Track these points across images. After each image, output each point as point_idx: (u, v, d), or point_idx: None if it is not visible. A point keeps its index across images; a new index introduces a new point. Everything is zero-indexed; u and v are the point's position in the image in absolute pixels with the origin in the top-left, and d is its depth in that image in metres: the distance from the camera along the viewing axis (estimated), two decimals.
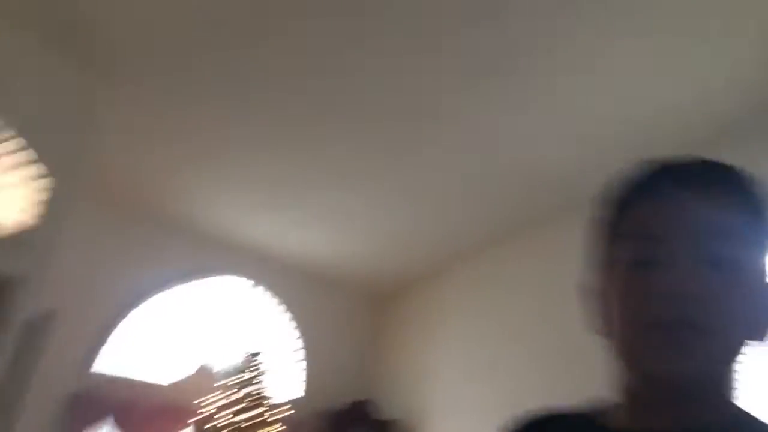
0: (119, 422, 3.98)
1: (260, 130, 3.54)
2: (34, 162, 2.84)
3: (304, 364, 4.92)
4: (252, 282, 4.81)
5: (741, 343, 0.67)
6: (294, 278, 4.97)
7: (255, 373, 4.12)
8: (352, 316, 5.33)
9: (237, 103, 3.34)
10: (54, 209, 2.89)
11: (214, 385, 4.12)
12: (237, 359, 4.19)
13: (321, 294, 5.12)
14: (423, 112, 3.29)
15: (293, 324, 4.94)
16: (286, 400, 4.39)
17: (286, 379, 4.68)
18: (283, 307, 4.92)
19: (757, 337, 0.69)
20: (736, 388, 0.70)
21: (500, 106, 3.20)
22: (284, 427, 4.12)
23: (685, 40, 2.67)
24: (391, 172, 3.82)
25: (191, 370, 4.42)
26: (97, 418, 3.91)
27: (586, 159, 3.45)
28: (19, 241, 2.78)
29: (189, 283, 4.53)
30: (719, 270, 0.65)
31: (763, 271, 0.70)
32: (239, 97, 3.29)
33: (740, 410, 0.69)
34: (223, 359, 4.38)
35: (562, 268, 3.87)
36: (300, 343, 4.94)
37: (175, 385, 4.33)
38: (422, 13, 2.68)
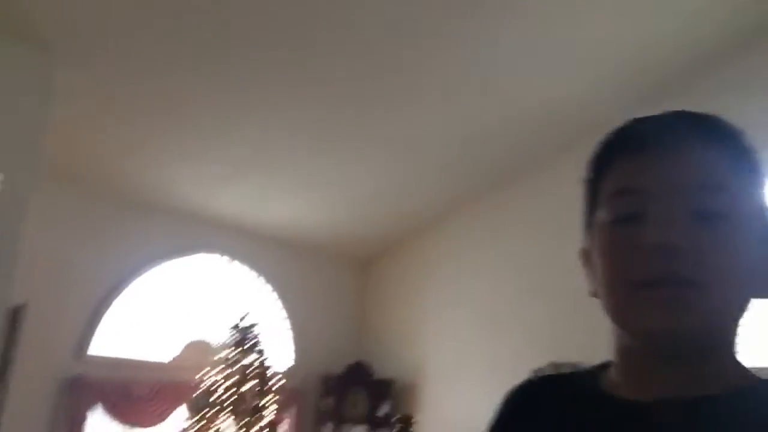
0: (116, 404, 3.98)
1: (229, 99, 3.41)
2: None
3: (292, 333, 4.89)
4: (229, 257, 4.74)
5: (742, 300, 0.64)
6: (274, 249, 4.90)
7: (251, 344, 4.12)
8: (339, 280, 5.30)
9: (203, 72, 3.20)
10: (9, 201, 2.82)
11: (211, 359, 4.09)
12: (231, 332, 4.18)
13: (304, 262, 5.07)
14: (400, 62, 3.18)
15: (276, 295, 4.90)
16: (279, 370, 4.39)
17: (277, 350, 4.66)
18: (263, 279, 4.87)
19: (762, 293, 0.65)
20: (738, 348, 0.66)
21: (484, 49, 3.09)
22: (280, 397, 4.12)
23: None
24: (366, 130, 3.73)
25: (186, 346, 4.38)
26: (95, 400, 3.87)
27: (574, 100, 3.39)
28: None
29: (171, 262, 4.46)
30: (710, 223, 0.61)
31: (762, 223, 0.66)
32: (205, 66, 3.15)
33: (751, 376, 0.65)
34: (218, 333, 4.34)
35: (548, 215, 3.89)
36: (286, 312, 4.90)
37: (171, 363, 4.29)
38: None
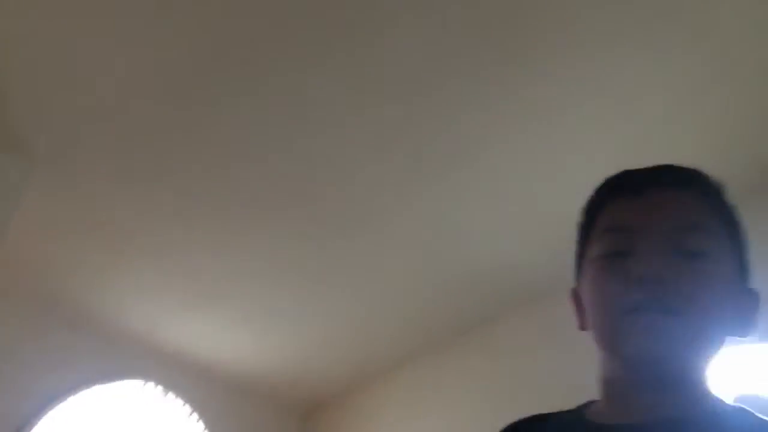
0: None
1: (178, 224, 3.28)
2: None
3: None
4: (163, 388, 4.37)
5: (718, 335, 0.71)
6: (212, 385, 4.50)
7: None
8: (278, 426, 4.89)
9: (153, 194, 3.10)
10: None
11: None
12: None
13: (242, 403, 4.64)
14: (358, 207, 3.12)
15: None
16: None
17: None
18: (197, 417, 4.47)
19: (738, 333, 0.73)
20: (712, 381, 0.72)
21: (443, 203, 3.06)
22: None
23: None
24: (322, 270, 3.58)
25: None
26: None
27: (526, 259, 3.31)
28: None
29: (97, 389, 4.06)
30: (692, 259, 0.69)
31: (740, 270, 0.75)
32: (156, 187, 3.06)
33: (722, 402, 0.71)
34: None
35: (502, 373, 3.75)
36: None
37: None
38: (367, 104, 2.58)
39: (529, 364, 3.53)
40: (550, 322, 2.91)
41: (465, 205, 3.06)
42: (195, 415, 4.45)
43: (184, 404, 4.42)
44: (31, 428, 3.73)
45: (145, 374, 4.30)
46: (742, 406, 0.70)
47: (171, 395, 4.39)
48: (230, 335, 4.17)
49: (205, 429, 4.45)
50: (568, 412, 0.79)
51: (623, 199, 0.76)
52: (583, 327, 0.78)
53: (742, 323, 0.73)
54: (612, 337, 0.70)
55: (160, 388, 4.35)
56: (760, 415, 0.68)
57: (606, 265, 0.73)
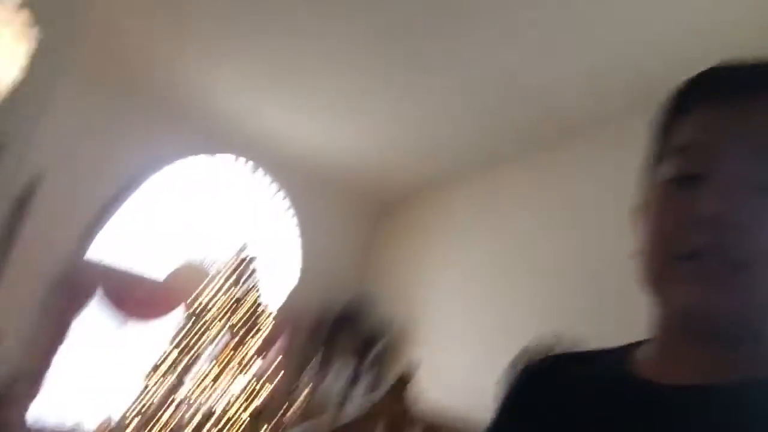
0: (111, 301, 3.96)
1: (272, 5, 3.23)
2: (25, 6, 2.57)
3: (300, 260, 4.80)
4: (253, 165, 4.62)
5: None
6: (298, 169, 4.74)
7: (247, 271, 4.04)
8: (355, 217, 5.15)
9: None
10: (44, 64, 2.64)
11: (205, 280, 4.01)
12: (230, 255, 4.07)
13: (325, 190, 4.90)
14: (450, 9, 2.96)
15: (293, 217, 4.79)
16: (274, 302, 4.30)
17: (279, 275, 4.58)
18: (284, 198, 4.76)
19: None
20: None
21: (525, 19, 2.86)
22: (270, 330, 4.09)
23: None
24: (408, 71, 3.48)
25: (183, 263, 4.26)
26: (85, 303, 3.86)
27: (600, 80, 3.12)
28: (6, 101, 2.58)
29: (187, 161, 4.37)
30: None
31: None
32: None
33: None
34: (216, 253, 4.25)
35: (570, 192, 3.72)
36: (298, 237, 4.80)
37: (166, 280, 4.19)
38: None
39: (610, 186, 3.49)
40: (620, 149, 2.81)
41: (543, 28, 2.85)
42: (281, 194, 4.75)
43: (271, 182, 4.71)
44: (132, 192, 4.12)
45: (237, 151, 4.55)
46: None
47: (260, 172, 4.67)
48: (321, 124, 4.27)
49: (289, 207, 4.78)
50: (606, 355, 0.68)
51: (706, 106, 0.59)
52: (633, 254, 0.64)
53: None
54: (660, 282, 0.59)
55: (250, 164, 4.62)
56: None
57: (672, 192, 0.59)
